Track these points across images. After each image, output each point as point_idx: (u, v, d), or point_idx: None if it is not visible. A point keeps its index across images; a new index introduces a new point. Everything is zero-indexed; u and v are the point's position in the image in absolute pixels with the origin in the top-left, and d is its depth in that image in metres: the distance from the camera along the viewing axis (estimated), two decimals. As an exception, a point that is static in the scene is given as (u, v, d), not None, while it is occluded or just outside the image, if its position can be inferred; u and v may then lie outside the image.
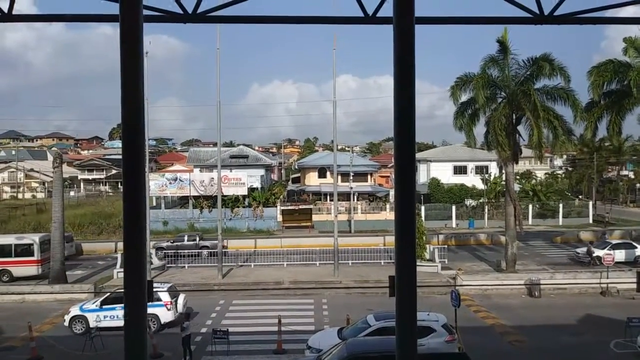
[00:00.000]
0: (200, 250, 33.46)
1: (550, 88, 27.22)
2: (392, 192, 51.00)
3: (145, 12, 5.69)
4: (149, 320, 19.93)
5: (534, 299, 24.42)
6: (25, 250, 28.82)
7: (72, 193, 73.22)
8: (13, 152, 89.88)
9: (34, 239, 29.31)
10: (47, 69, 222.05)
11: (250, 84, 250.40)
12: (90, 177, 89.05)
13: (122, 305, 20.39)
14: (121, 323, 22.32)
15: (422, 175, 57.55)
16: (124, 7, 4.84)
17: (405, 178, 4.43)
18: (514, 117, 28.13)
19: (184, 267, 31.32)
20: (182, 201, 52.28)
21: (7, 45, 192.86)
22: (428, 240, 33.06)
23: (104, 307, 20.34)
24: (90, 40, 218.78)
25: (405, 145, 4.30)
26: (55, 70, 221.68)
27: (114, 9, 5.62)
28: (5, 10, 7.32)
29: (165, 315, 20.35)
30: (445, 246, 33.56)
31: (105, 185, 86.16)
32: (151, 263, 28.73)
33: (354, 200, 49.69)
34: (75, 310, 20.59)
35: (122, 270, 26.29)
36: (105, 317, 20.10)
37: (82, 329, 20.06)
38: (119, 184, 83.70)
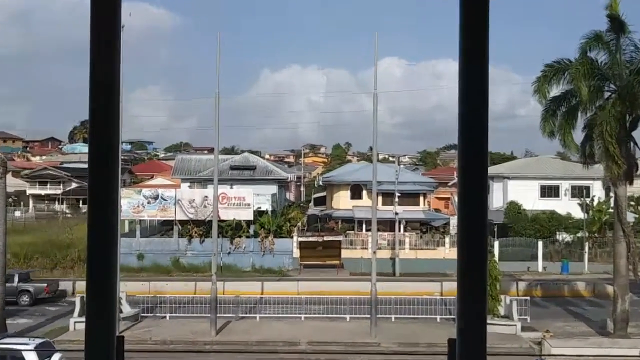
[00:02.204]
0: (18, 297, 32.30)
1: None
2: (453, 221, 50.58)
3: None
4: None
5: (654, 377, 23.79)
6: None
7: (17, 213, 74.74)
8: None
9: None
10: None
11: (260, 70, 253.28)
12: (42, 192, 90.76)
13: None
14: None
15: (497, 198, 56.97)
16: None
17: (473, 201, 4.35)
18: (629, 118, 27.75)
19: (165, 317, 31.52)
20: (165, 227, 52.79)
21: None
22: (503, 289, 32.59)
23: None
24: (48, 7, 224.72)
25: (473, 156, 4.22)
26: None
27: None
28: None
29: None
30: (528, 298, 33.01)
31: (63, 203, 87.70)
32: (121, 311, 29.02)
33: (400, 230, 49.50)
34: None
35: (82, 319, 26.18)
36: None
37: None
38: (81, 202, 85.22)
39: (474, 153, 3.61)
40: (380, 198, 47.54)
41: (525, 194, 55.62)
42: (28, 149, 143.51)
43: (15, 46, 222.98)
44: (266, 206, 51.28)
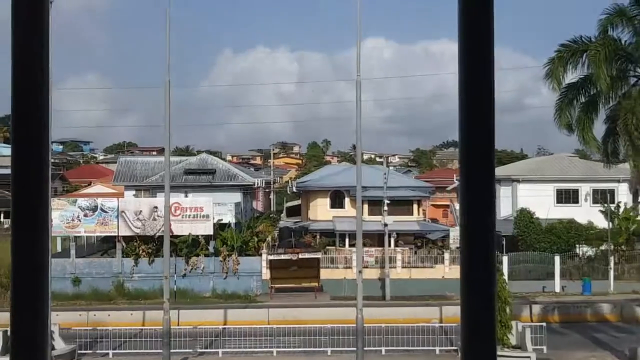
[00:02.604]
0: None
1: None
2: (454, 233, 50.78)
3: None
4: None
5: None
6: None
7: None
8: None
9: None
10: None
11: (220, 52, 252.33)
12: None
13: None
14: None
15: (505, 205, 57.19)
16: None
17: (478, 209, 4.35)
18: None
19: (108, 354, 31.25)
20: (106, 245, 52.36)
21: None
22: (514, 314, 32.77)
23: None
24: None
25: (477, 155, 4.23)
26: None
27: None
28: None
29: None
30: (544, 324, 33.23)
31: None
32: (53, 348, 28.72)
33: (390, 245, 49.62)
34: None
35: (5, 359, 25.90)
36: None
37: None
38: (3, 215, 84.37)
39: (478, 151, 3.62)
40: (366, 207, 47.63)
41: (538, 200, 55.86)
42: None
43: None
44: (229, 218, 51.11)
